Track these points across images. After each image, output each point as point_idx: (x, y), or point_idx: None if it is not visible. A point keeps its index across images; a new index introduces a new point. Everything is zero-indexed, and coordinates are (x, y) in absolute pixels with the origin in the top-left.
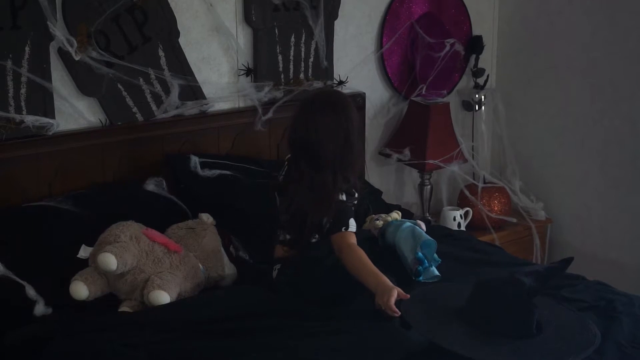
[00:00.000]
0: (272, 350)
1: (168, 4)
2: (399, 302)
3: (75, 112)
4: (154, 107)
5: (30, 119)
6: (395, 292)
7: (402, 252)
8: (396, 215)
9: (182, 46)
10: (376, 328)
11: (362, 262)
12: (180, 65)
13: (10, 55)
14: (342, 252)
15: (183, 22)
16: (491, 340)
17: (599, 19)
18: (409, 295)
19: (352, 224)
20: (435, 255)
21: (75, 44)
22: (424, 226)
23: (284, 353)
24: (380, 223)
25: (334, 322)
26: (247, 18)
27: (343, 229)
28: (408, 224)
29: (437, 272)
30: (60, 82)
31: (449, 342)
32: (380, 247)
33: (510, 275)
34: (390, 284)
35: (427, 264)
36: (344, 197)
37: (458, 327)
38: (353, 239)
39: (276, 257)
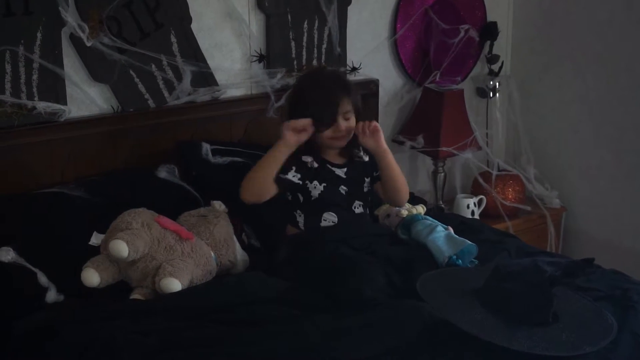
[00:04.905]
0: (283, 338)
1: None
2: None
3: (87, 98)
4: (166, 94)
5: (42, 105)
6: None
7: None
8: (421, 209)
9: (195, 32)
10: (385, 312)
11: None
12: (193, 52)
13: (22, 41)
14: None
15: (195, 8)
16: (507, 324)
17: (616, 5)
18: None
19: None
20: (473, 259)
21: (87, 30)
22: (451, 230)
23: (294, 340)
24: (404, 212)
25: (345, 311)
26: (260, 4)
27: None
28: (441, 228)
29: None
30: (72, 68)
31: (464, 322)
32: (400, 238)
33: (532, 262)
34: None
35: (460, 263)
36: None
37: (474, 308)
38: None
39: (283, 237)
